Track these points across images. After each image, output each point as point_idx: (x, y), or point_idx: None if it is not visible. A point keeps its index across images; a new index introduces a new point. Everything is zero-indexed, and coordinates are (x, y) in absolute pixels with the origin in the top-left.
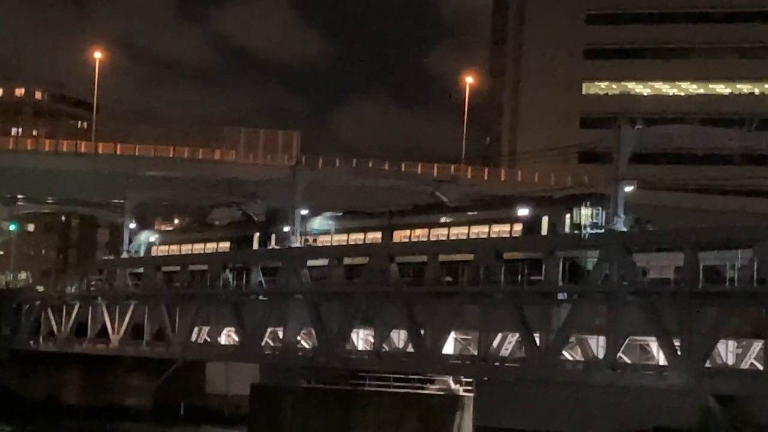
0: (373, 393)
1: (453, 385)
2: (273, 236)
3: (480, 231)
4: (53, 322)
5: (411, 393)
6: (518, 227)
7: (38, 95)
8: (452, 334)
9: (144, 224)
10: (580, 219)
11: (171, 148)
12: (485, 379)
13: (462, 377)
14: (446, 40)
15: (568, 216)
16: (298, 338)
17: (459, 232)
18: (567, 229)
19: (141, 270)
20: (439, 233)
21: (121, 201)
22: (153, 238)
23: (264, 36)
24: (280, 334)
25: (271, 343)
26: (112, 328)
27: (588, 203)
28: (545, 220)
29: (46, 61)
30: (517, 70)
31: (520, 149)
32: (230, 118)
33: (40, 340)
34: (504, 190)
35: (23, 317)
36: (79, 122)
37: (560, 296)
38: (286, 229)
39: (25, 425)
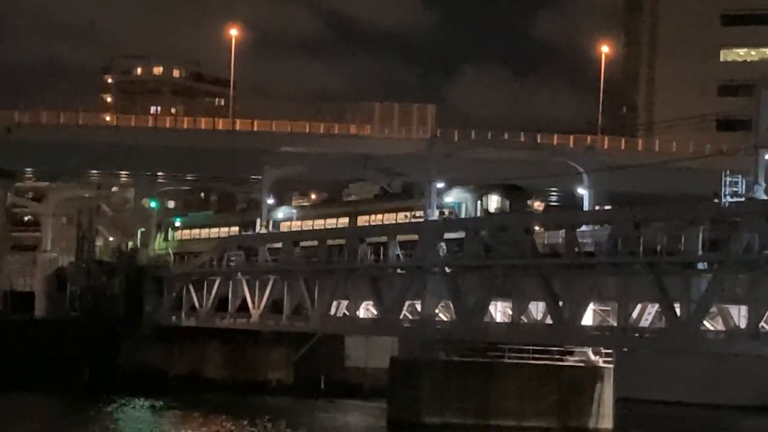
0: (511, 365)
1: (592, 357)
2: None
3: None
4: (194, 298)
5: (550, 365)
6: (446, 211)
7: (176, 73)
8: (591, 306)
9: (282, 200)
10: (488, 205)
11: (306, 124)
12: (625, 350)
13: (601, 348)
14: (552, 5)
15: (479, 203)
16: (436, 311)
17: (402, 216)
18: (478, 213)
19: (279, 245)
20: (389, 218)
21: (259, 177)
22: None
23: (369, 5)
24: (418, 307)
25: (410, 316)
26: (253, 302)
27: (497, 192)
28: (463, 206)
29: (180, 39)
30: (653, 38)
31: (657, 119)
32: (343, 90)
33: (182, 315)
34: (641, 160)
35: (165, 293)
36: (216, 99)
37: (700, 266)
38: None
39: (169, 400)
